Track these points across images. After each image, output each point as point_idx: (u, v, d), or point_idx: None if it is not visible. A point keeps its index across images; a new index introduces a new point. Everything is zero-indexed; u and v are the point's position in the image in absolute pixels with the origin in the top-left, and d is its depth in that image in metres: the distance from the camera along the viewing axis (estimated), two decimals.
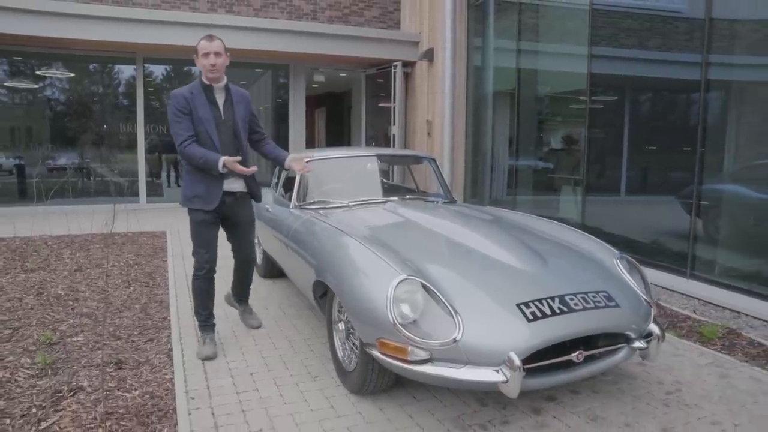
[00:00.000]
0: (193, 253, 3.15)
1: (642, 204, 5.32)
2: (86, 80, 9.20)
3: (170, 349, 3.18)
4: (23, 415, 2.40)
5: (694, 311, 4.06)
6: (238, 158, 2.96)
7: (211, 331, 3.22)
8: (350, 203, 3.60)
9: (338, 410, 2.50)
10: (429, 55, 8.58)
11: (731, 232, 4.47)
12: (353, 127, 11.31)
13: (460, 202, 7.78)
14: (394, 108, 9.07)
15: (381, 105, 9.92)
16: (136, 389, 2.68)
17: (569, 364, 2.25)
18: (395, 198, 3.68)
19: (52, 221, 7.15)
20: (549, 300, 2.25)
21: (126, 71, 9.15)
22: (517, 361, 2.01)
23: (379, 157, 3.99)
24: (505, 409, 2.52)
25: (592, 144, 5.73)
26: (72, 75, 9.03)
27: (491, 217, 3.35)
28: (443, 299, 2.20)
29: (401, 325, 2.13)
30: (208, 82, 3.06)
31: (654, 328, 2.39)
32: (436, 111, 8.24)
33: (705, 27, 4.40)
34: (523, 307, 2.20)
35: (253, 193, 3.28)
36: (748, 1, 4.35)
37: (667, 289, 4.60)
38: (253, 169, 3.05)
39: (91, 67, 9.14)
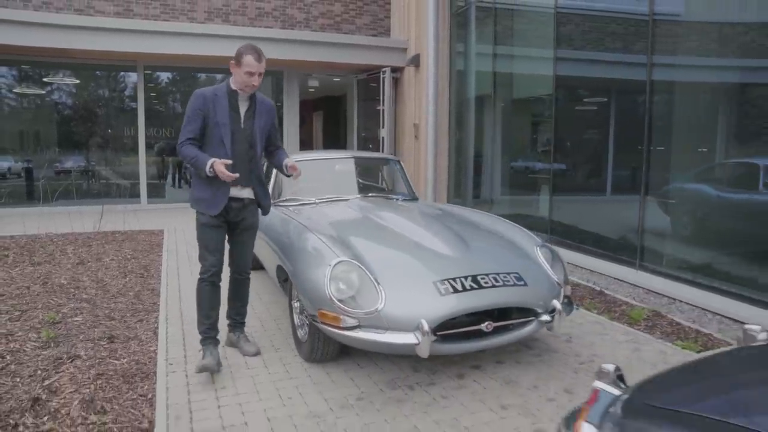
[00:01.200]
0: (199, 257, 3.08)
1: (601, 203, 5.77)
2: (90, 87, 9.82)
3: (157, 328, 3.70)
4: (30, 375, 2.93)
5: (634, 298, 4.53)
6: (228, 162, 2.84)
7: (211, 345, 3.05)
8: (317, 200, 4.11)
9: (291, 374, 3.01)
10: (416, 61, 9.08)
11: (674, 226, 4.92)
12: (349, 130, 11.84)
13: (444, 202, 8.25)
14: (383, 111, 9.58)
15: (373, 108, 10.43)
16: (124, 358, 3.21)
17: (481, 334, 2.73)
18: (358, 196, 4.19)
19: (57, 220, 7.74)
20: (462, 278, 2.74)
21: (128, 78, 9.76)
22: (426, 327, 2.50)
23: (348, 159, 4.50)
24: (434, 374, 3.01)
25: (557, 145, 6.19)
26: (77, 82, 9.65)
27: (438, 212, 3.85)
28: (371, 277, 2.71)
29: (336, 298, 2.63)
30: (235, 88, 3.01)
31: (556, 304, 2.87)
32: (422, 115, 8.73)
33: (649, 28, 4.84)
34: (438, 283, 2.69)
35: (260, 203, 3.20)
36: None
37: (618, 279, 5.06)
38: (234, 176, 2.83)
39: (95, 74, 9.75)
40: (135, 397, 2.75)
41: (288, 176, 3.22)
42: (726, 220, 4.46)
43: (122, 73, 9.80)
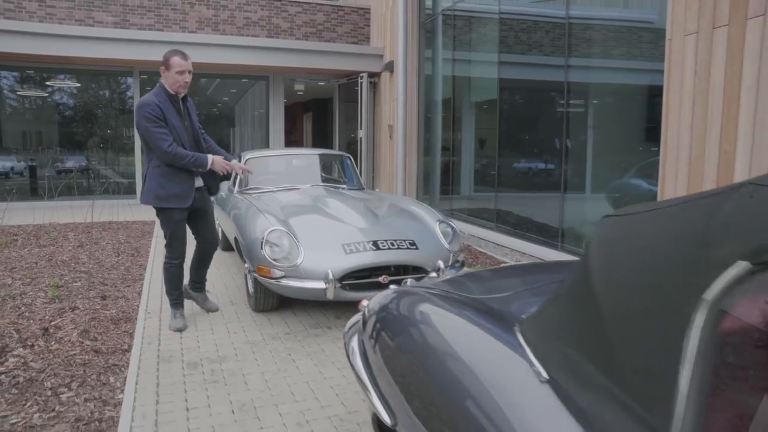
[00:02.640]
0: (167, 246, 3.65)
1: (530, 198, 6.72)
2: (90, 91, 10.90)
3: (141, 291, 4.71)
4: (41, 319, 3.93)
5: (488, 251, 5.66)
6: (229, 158, 3.68)
7: (181, 307, 3.86)
8: (275, 189, 5.10)
9: (240, 318, 4.00)
10: (390, 67, 10.08)
11: (589, 214, 5.87)
12: (334, 131, 12.85)
13: (414, 197, 9.20)
14: (361, 114, 10.58)
15: (355, 111, 11.43)
16: (113, 309, 4.20)
17: (380, 285, 3.69)
18: (309, 185, 5.18)
19: (60, 213, 8.79)
20: (365, 242, 3.72)
21: (125, 83, 10.83)
22: (332, 276, 3.48)
23: (304, 155, 5.50)
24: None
25: (501, 144, 7.15)
26: (78, 85, 10.73)
27: (368, 198, 4.84)
28: (296, 241, 3.69)
29: (269, 256, 3.62)
30: (173, 93, 3.46)
31: (441, 264, 3.83)
32: (395, 116, 9.72)
33: (565, 30, 5.79)
34: (345, 245, 3.67)
35: (209, 187, 3.78)
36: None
37: (486, 240, 6.15)
38: (247, 168, 3.85)
39: (94, 79, 10.83)
40: (120, 332, 3.74)
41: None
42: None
43: (120, 78, 10.89)
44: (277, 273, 3.59)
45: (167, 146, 3.38)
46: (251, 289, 4.12)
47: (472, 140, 8.41)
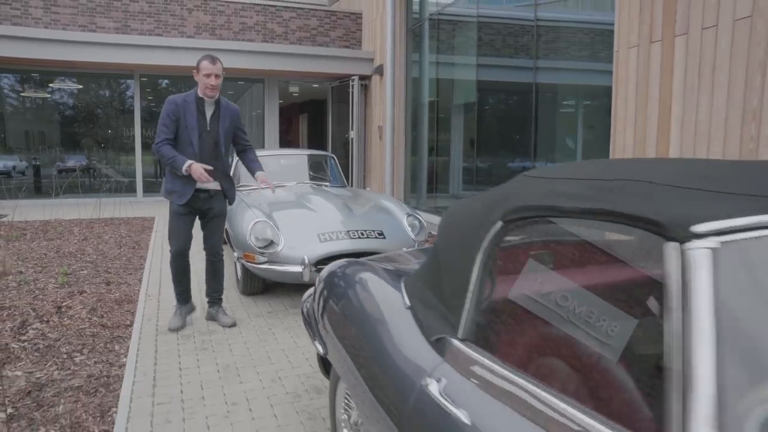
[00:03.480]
0: (168, 239, 3.83)
1: None
2: (92, 93, 11.51)
3: (141, 278, 5.29)
4: (53, 300, 4.51)
5: None
6: (210, 168, 3.56)
7: (182, 304, 3.98)
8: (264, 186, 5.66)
9: (230, 301, 4.58)
10: (380, 70, 10.65)
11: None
12: (328, 131, 13.44)
13: (401, 197, 9.75)
14: (352, 115, 11.15)
15: (347, 112, 12.00)
16: (117, 293, 4.79)
17: None
18: (294, 183, 5.75)
19: (64, 210, 9.39)
20: (338, 232, 4.29)
21: (126, 85, 11.44)
22: (307, 261, 4.05)
23: (292, 156, 6.07)
24: None
25: (480, 144, 7.72)
26: (80, 87, 11.34)
27: (348, 194, 5.42)
28: (277, 231, 4.27)
29: (254, 245, 4.19)
30: (201, 96, 3.62)
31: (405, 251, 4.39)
32: (384, 118, 10.29)
33: (534, 33, 6.35)
34: (320, 235, 4.25)
35: (226, 193, 3.85)
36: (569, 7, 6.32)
37: None
38: (209, 178, 3.56)
39: (96, 82, 11.44)
40: (123, 311, 4.32)
41: (260, 188, 3.99)
42: None
43: (121, 81, 11.49)
44: (261, 259, 4.17)
45: (156, 142, 3.60)
46: (239, 275, 4.69)
47: (456, 140, 8.97)
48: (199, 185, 3.68)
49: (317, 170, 6.33)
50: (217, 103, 3.71)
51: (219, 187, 3.81)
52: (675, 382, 0.80)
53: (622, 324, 0.97)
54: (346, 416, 2.10)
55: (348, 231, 4.34)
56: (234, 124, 3.82)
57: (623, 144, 4.89)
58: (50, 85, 11.20)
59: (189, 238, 3.81)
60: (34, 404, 2.79)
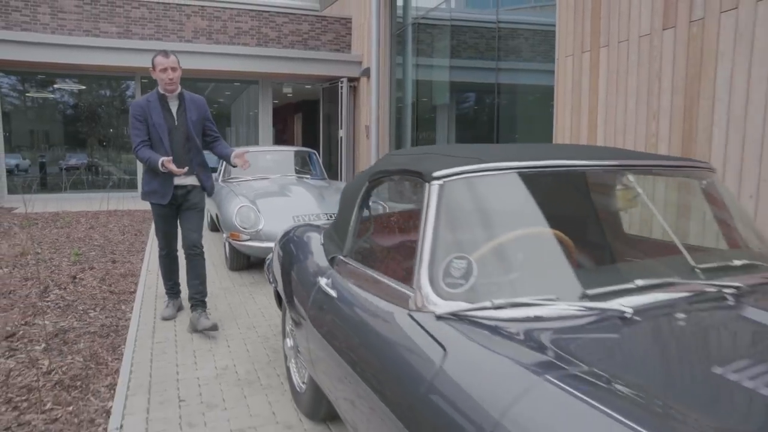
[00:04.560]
0: (156, 236, 4.03)
1: None
2: (95, 94, 12.41)
3: (143, 258, 6.15)
4: (68, 274, 5.37)
5: None
6: (170, 158, 3.52)
7: (174, 298, 4.21)
8: (252, 178, 6.53)
9: (219, 273, 5.43)
10: (367, 73, 11.50)
11: None
12: (320, 130, 14.30)
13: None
14: (341, 115, 12.01)
15: (337, 112, 12.86)
16: (122, 269, 5.64)
17: None
18: (278, 176, 6.60)
19: (71, 203, 10.28)
20: (311, 215, 5.14)
21: (127, 86, 12.33)
22: None
23: (277, 151, 6.94)
24: None
25: (457, 141, 8.55)
26: (84, 88, 12.24)
27: (324, 185, 6.26)
28: (259, 212, 5.12)
29: (238, 225, 5.04)
30: (163, 92, 3.65)
31: None
32: (370, 118, 11.15)
33: (496, 35, 7.17)
34: (295, 217, 5.09)
35: (204, 186, 3.87)
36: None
37: None
38: (182, 170, 3.56)
39: (99, 83, 12.33)
40: (127, 282, 5.18)
41: (234, 166, 3.85)
42: None
43: (123, 82, 12.39)
44: (244, 237, 5.02)
45: (134, 147, 3.68)
46: (228, 253, 5.55)
47: (435, 139, 9.82)
48: (176, 181, 3.71)
49: (300, 164, 7.18)
50: (181, 96, 3.70)
51: (197, 182, 3.84)
52: (418, 250, 1.64)
53: (411, 228, 1.81)
54: (290, 342, 2.94)
55: (318, 213, 5.19)
56: (202, 115, 3.79)
57: (562, 139, 5.72)
58: (55, 86, 12.10)
59: (175, 234, 3.98)
60: (62, 342, 3.65)
